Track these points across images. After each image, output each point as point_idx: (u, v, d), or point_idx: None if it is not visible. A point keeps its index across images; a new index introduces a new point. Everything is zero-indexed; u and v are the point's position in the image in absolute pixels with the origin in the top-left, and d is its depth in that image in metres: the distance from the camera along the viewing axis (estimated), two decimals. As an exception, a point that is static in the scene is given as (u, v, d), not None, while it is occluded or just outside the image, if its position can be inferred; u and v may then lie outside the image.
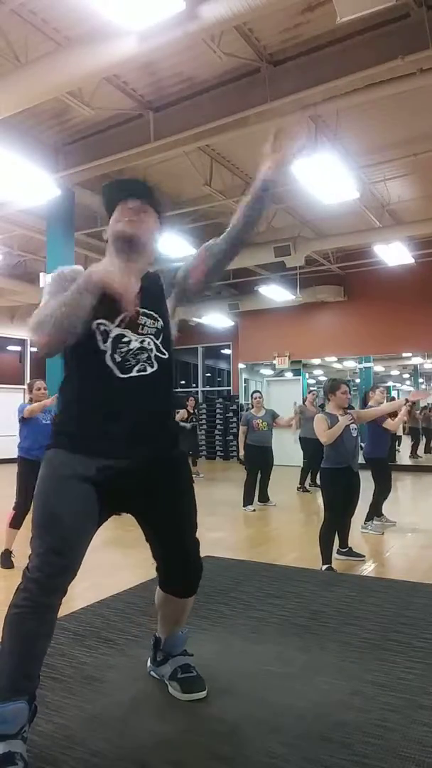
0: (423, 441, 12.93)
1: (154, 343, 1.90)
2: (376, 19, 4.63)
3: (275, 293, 11.25)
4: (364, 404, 5.58)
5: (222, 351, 15.62)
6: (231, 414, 13.96)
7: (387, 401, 6.44)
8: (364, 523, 5.38)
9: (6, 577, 4.10)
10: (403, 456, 12.33)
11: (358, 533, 5.16)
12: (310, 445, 8.50)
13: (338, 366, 13.83)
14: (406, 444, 12.70)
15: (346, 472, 4.15)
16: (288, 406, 8.97)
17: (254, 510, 6.90)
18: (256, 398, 7.24)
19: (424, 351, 12.03)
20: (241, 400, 13.66)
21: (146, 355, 1.87)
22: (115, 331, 1.84)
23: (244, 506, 6.94)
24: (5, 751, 1.57)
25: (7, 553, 4.31)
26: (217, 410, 14.31)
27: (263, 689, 2.14)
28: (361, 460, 4.62)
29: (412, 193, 8.49)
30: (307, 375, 13.31)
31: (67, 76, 4.52)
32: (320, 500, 4.37)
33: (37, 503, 1.78)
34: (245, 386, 13.92)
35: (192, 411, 10.77)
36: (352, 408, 4.48)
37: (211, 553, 4.26)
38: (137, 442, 1.82)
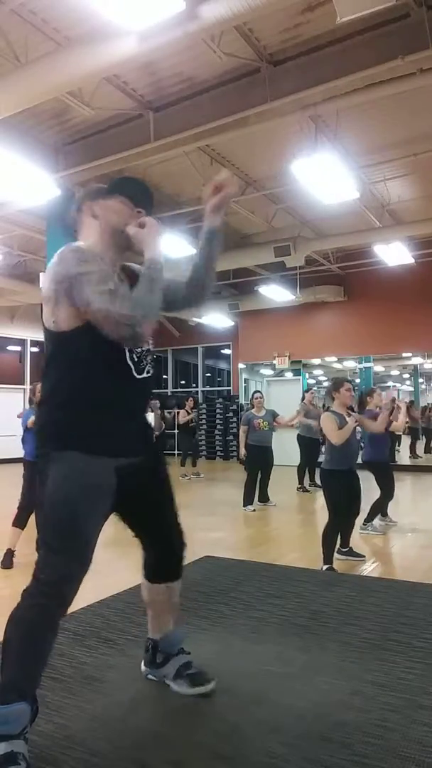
0: (423, 441, 12.93)
1: (149, 343, 1.94)
2: (376, 19, 4.63)
3: (275, 293, 11.25)
4: (360, 406, 5.53)
5: (222, 351, 15.62)
6: (231, 414, 13.96)
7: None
8: (364, 524, 5.38)
9: (12, 575, 4.11)
10: (403, 456, 12.33)
11: (357, 533, 5.16)
12: (306, 443, 8.53)
13: (338, 366, 13.83)
14: (406, 444, 12.70)
15: (348, 474, 4.15)
16: (288, 406, 8.96)
17: (254, 510, 6.90)
18: (257, 398, 7.25)
19: (424, 351, 12.03)
20: (241, 400, 13.66)
21: (150, 357, 1.93)
22: None
23: (244, 506, 6.94)
24: (8, 751, 1.58)
25: (10, 552, 4.31)
26: (217, 410, 14.31)
27: (263, 689, 2.14)
28: (358, 460, 4.61)
29: (412, 193, 8.49)
30: (307, 375, 13.31)
31: (67, 76, 4.52)
32: (321, 500, 4.37)
33: (59, 510, 1.71)
34: (245, 386, 13.92)
35: (190, 411, 10.79)
36: (353, 409, 4.48)
37: (211, 553, 4.27)
38: (148, 440, 1.93)
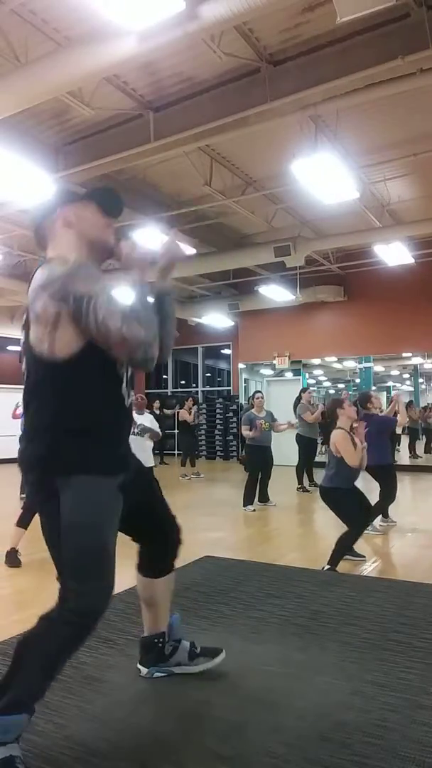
0: (423, 441, 12.93)
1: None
2: (376, 19, 4.63)
3: (275, 293, 11.25)
4: (363, 406, 5.53)
5: (222, 351, 15.62)
6: (231, 414, 13.96)
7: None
8: (365, 524, 5.37)
9: (12, 575, 4.11)
10: (403, 456, 12.33)
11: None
12: (306, 443, 8.54)
13: (338, 366, 13.83)
14: (405, 444, 12.69)
15: (355, 490, 4.17)
16: (288, 406, 8.95)
17: (254, 510, 6.90)
18: (258, 398, 7.25)
19: (424, 351, 12.03)
20: (241, 400, 13.66)
21: (133, 382, 1.95)
22: None
23: (244, 506, 6.94)
24: (6, 756, 1.62)
25: (14, 551, 4.32)
26: (217, 410, 14.31)
27: (263, 689, 2.14)
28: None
29: (412, 193, 8.49)
30: (307, 375, 13.31)
31: (67, 76, 4.52)
32: (321, 501, 4.35)
33: (86, 534, 1.65)
34: (245, 386, 13.92)
35: (190, 411, 10.81)
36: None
37: (211, 553, 4.27)
38: (130, 456, 1.93)
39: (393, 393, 5.19)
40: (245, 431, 7.10)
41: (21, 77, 4.66)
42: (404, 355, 12.62)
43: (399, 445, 12.03)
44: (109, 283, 1.66)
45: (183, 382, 16.70)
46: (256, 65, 5.35)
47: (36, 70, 4.58)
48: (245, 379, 14.05)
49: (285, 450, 9.16)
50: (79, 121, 6.28)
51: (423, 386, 13.89)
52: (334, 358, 13.15)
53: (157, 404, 12.84)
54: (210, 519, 6.40)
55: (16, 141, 6.03)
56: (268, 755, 1.73)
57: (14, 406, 7.61)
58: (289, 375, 13.32)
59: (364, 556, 4.45)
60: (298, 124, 6.13)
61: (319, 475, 4.72)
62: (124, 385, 1.81)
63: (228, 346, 14.97)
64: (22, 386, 1.81)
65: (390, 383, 14.62)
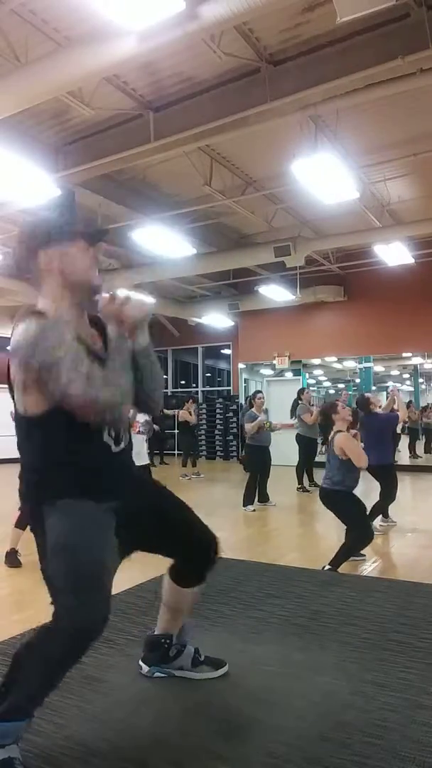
0: (423, 441, 12.93)
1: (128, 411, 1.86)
2: (376, 19, 4.63)
3: (275, 293, 11.25)
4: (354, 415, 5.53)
5: (222, 351, 15.62)
6: (231, 414, 13.97)
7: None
8: (365, 524, 5.37)
9: (12, 575, 4.12)
10: (403, 456, 12.32)
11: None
12: (306, 443, 8.54)
13: (338, 366, 13.82)
14: (405, 444, 12.68)
15: (354, 494, 4.18)
16: (288, 406, 8.96)
17: (254, 510, 6.90)
18: (260, 398, 7.25)
19: (424, 351, 12.02)
20: (241, 400, 13.66)
21: (126, 425, 1.88)
22: None
23: (244, 506, 6.94)
24: (5, 757, 1.63)
25: (14, 552, 4.33)
26: (217, 410, 14.31)
27: (263, 689, 2.14)
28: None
29: (412, 193, 8.49)
30: (307, 375, 13.31)
31: (67, 76, 4.52)
32: (320, 501, 4.35)
33: (74, 551, 1.65)
34: (245, 386, 13.93)
35: (191, 411, 10.81)
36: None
37: (211, 553, 4.26)
38: (130, 480, 1.87)
39: (390, 388, 5.21)
40: (249, 426, 7.04)
41: (21, 77, 4.66)
42: (404, 355, 12.62)
43: (398, 445, 12.03)
44: (74, 344, 1.61)
45: (183, 382, 16.70)
46: (256, 65, 5.35)
47: (36, 70, 4.58)
48: (245, 379, 14.05)
49: (285, 450, 9.15)
50: (79, 121, 6.28)
51: (423, 386, 13.88)
52: (334, 358, 13.15)
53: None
54: (210, 519, 6.37)
55: (16, 141, 6.03)
56: (268, 755, 1.73)
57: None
58: (289, 375, 13.32)
59: (364, 556, 4.45)
60: (298, 124, 6.13)
61: (319, 476, 4.71)
62: (105, 433, 1.75)
63: (228, 346, 14.98)
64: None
65: (390, 383, 14.62)
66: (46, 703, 2.00)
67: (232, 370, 14.94)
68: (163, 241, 8.29)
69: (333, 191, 6.49)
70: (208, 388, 15.86)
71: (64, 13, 4.63)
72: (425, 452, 12.80)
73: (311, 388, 10.03)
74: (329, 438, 4.25)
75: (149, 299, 1.75)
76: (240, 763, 1.71)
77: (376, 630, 2.70)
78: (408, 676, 2.23)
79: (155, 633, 2.23)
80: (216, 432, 14.23)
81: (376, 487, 5.55)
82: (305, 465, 8.59)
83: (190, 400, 11.21)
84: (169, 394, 15.52)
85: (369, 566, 4.33)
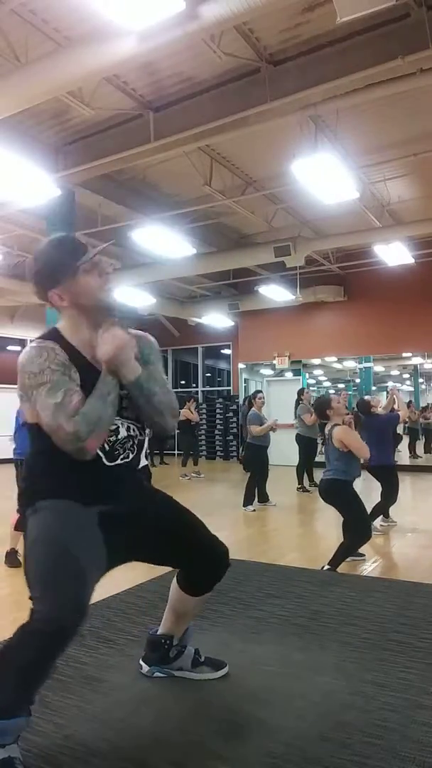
0: (423, 441, 12.92)
1: (136, 428, 1.88)
2: (376, 19, 4.63)
3: (275, 293, 11.25)
4: (356, 418, 5.52)
5: (222, 351, 15.62)
6: (231, 414, 13.96)
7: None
8: (365, 524, 5.37)
9: (12, 575, 4.12)
10: (403, 456, 12.32)
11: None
12: (306, 443, 8.54)
13: (338, 366, 13.82)
14: (405, 444, 12.68)
15: (352, 483, 4.17)
16: (288, 406, 8.97)
17: (254, 510, 6.90)
18: (260, 398, 7.26)
19: (424, 351, 12.02)
20: (241, 400, 13.67)
21: (131, 442, 1.87)
22: None
23: (244, 506, 6.94)
24: (5, 757, 1.63)
25: (14, 552, 4.34)
26: (217, 410, 14.31)
27: (263, 689, 2.14)
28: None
29: (412, 193, 8.49)
30: (307, 375, 13.31)
31: (67, 76, 4.52)
32: (321, 501, 4.35)
33: (47, 546, 1.67)
34: (245, 386, 13.93)
35: (193, 411, 10.81)
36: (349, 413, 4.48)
37: (211, 553, 4.26)
38: (117, 499, 1.84)
39: (390, 387, 5.19)
40: (258, 429, 7.02)
41: (21, 77, 4.66)
42: (404, 355, 12.62)
43: (399, 446, 12.03)
44: (56, 373, 1.67)
45: (183, 382, 16.70)
46: (256, 65, 5.35)
47: (36, 70, 4.58)
48: (245, 379, 14.05)
49: (285, 450, 9.16)
50: (79, 121, 6.28)
51: (423, 386, 13.88)
52: (334, 358, 13.15)
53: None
54: (210, 519, 6.38)
55: (16, 141, 6.03)
56: (268, 755, 1.73)
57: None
58: (289, 375, 13.32)
59: (363, 556, 4.45)
60: (298, 124, 6.13)
61: (319, 475, 4.71)
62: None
63: (228, 346, 14.98)
64: None
65: (390, 383, 14.62)
66: (46, 703, 2.01)
67: (232, 370, 14.94)
68: (163, 241, 8.28)
69: (333, 191, 6.49)
70: (208, 388, 15.86)
71: (64, 13, 4.63)
72: (425, 452, 12.80)
73: (311, 388, 10.03)
74: (326, 432, 4.24)
75: (122, 333, 1.73)
76: (240, 763, 1.70)
77: (376, 630, 2.70)
78: (408, 676, 2.22)
79: (156, 633, 2.23)
80: (216, 432, 14.23)
81: (376, 487, 5.55)
82: (305, 465, 8.59)
83: (191, 400, 11.21)
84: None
85: (369, 566, 4.33)
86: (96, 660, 2.40)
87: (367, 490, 5.61)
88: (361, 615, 2.91)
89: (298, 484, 8.52)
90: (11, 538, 4.35)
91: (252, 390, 11.50)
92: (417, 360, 12.86)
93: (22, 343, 14.61)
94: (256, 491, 7.10)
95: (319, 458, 8.81)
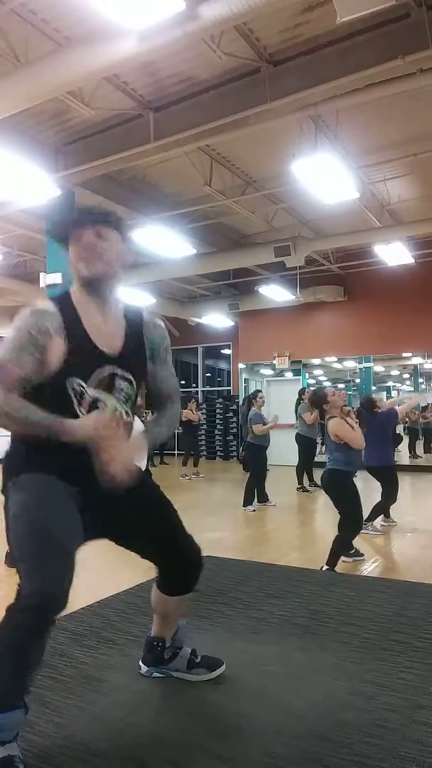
0: (423, 440, 12.93)
1: (125, 410, 1.84)
2: (376, 19, 4.63)
3: (275, 293, 11.25)
4: (368, 410, 5.51)
5: (222, 351, 15.62)
6: (231, 414, 13.96)
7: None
8: (365, 524, 5.36)
9: (11, 575, 4.11)
10: (403, 456, 12.33)
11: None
12: (306, 443, 8.54)
13: (338, 366, 13.82)
14: (405, 444, 12.69)
15: (352, 475, 4.16)
16: (288, 406, 8.97)
17: (254, 510, 6.90)
18: (260, 398, 7.26)
19: (424, 351, 12.03)
20: (241, 401, 13.67)
21: (127, 404, 1.85)
22: (92, 394, 1.77)
23: (244, 506, 6.94)
24: (5, 755, 1.61)
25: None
26: (217, 410, 14.31)
27: (263, 689, 2.14)
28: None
29: (412, 193, 8.49)
30: (307, 375, 13.31)
31: (67, 76, 4.52)
32: (321, 500, 4.36)
33: (27, 518, 1.67)
34: (245, 386, 13.93)
35: (194, 411, 10.81)
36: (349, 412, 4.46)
37: (211, 553, 4.26)
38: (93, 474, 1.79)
39: (407, 396, 5.15)
40: (261, 429, 7.00)
41: (21, 77, 4.66)
42: (404, 355, 12.62)
43: (398, 446, 12.04)
44: (28, 335, 1.73)
45: (183, 382, 16.69)
46: (256, 65, 5.35)
47: (36, 70, 4.58)
48: (245, 379, 14.05)
49: (285, 450, 9.15)
50: (79, 121, 6.28)
51: (423, 386, 13.89)
52: (334, 358, 13.15)
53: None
54: (210, 519, 6.40)
55: (16, 141, 6.03)
56: (268, 755, 1.73)
57: None
58: (289, 375, 13.32)
59: (363, 555, 4.45)
60: (298, 124, 6.13)
61: (319, 475, 4.71)
62: (76, 405, 1.75)
63: (228, 346, 14.97)
64: None
65: (390, 383, 14.62)
66: (46, 703, 2.01)
67: (232, 370, 14.93)
68: (163, 241, 8.28)
69: (333, 191, 6.49)
70: (208, 388, 15.86)
71: (64, 13, 4.63)
72: (425, 452, 12.81)
73: (311, 388, 10.02)
74: (325, 424, 4.24)
75: (140, 462, 1.76)
76: (240, 763, 1.70)
77: (376, 630, 2.70)
78: (408, 676, 2.22)
79: (150, 635, 2.23)
80: (216, 432, 14.23)
81: (377, 487, 5.55)
82: (305, 465, 8.59)
83: (192, 400, 11.21)
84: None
85: (369, 566, 4.33)
86: (96, 660, 2.40)
87: (368, 490, 5.61)
88: (361, 615, 2.91)
89: (298, 484, 8.52)
90: None
91: (252, 390, 11.51)
92: (417, 360, 12.86)
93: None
94: (255, 491, 7.10)
95: (319, 458, 8.83)
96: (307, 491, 8.29)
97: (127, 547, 1.99)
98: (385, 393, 13.69)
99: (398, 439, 10.84)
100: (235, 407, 13.82)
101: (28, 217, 8.34)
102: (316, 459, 8.90)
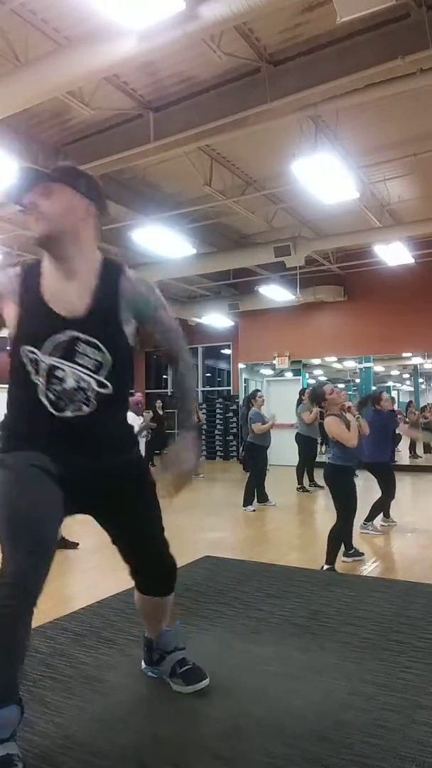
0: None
1: (94, 379, 1.70)
2: (376, 19, 4.63)
3: (275, 293, 11.25)
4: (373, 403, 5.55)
5: (222, 351, 15.62)
6: (231, 414, 13.96)
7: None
8: (364, 523, 5.37)
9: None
10: (403, 456, 12.32)
11: (358, 533, 5.16)
12: (306, 443, 8.54)
13: (338, 366, 13.82)
14: (406, 444, 12.68)
15: (351, 470, 4.16)
16: (288, 405, 8.97)
17: (254, 510, 6.90)
18: (260, 397, 7.26)
19: (424, 351, 12.03)
20: (241, 401, 13.67)
21: (83, 395, 1.70)
22: (47, 361, 1.67)
23: (244, 506, 6.94)
24: (3, 754, 1.58)
25: None
26: (217, 410, 14.30)
27: (263, 689, 2.14)
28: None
29: (412, 193, 8.49)
30: (307, 375, 13.31)
31: (67, 76, 4.52)
32: (321, 500, 4.36)
33: (11, 512, 1.62)
34: (245, 386, 13.93)
35: (196, 411, 10.82)
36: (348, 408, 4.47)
37: (211, 553, 4.27)
38: (72, 454, 1.75)
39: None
40: (262, 428, 7.00)
41: (21, 77, 4.66)
42: (404, 355, 12.62)
43: (398, 445, 12.03)
44: None
45: (183, 382, 16.67)
46: (256, 65, 5.35)
47: (36, 70, 4.58)
48: (245, 379, 14.05)
49: (285, 450, 9.15)
50: (79, 121, 6.28)
51: (423, 386, 13.88)
52: (334, 358, 13.15)
53: (159, 404, 12.83)
54: (210, 519, 6.40)
55: (17, 141, 6.03)
56: (268, 755, 1.73)
57: None
58: (289, 375, 13.32)
59: (363, 555, 4.45)
60: (298, 124, 6.13)
61: (319, 474, 4.71)
62: (42, 390, 1.69)
63: (228, 346, 14.97)
64: None
65: (390, 383, 14.62)
66: (46, 703, 2.01)
67: (232, 370, 14.93)
68: (163, 241, 8.29)
69: (333, 191, 6.50)
70: (208, 388, 15.86)
71: (64, 13, 4.63)
72: (425, 452, 12.80)
73: (308, 389, 10.04)
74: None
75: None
76: (240, 763, 1.70)
77: (376, 630, 2.70)
78: (408, 676, 2.22)
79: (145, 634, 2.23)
80: (216, 432, 14.23)
81: (377, 488, 5.55)
82: (305, 465, 8.59)
83: (194, 401, 11.20)
84: (170, 393, 15.52)
85: (369, 566, 4.33)
86: (96, 660, 2.40)
87: (367, 489, 5.61)
88: (361, 615, 2.90)
89: (298, 484, 8.52)
90: None
91: (251, 390, 11.51)
92: (417, 360, 12.86)
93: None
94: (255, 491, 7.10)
95: (319, 458, 8.83)
96: (307, 491, 8.29)
97: (104, 529, 1.95)
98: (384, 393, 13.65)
99: (397, 439, 10.84)
100: (235, 407, 13.82)
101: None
102: (317, 459, 8.90)
